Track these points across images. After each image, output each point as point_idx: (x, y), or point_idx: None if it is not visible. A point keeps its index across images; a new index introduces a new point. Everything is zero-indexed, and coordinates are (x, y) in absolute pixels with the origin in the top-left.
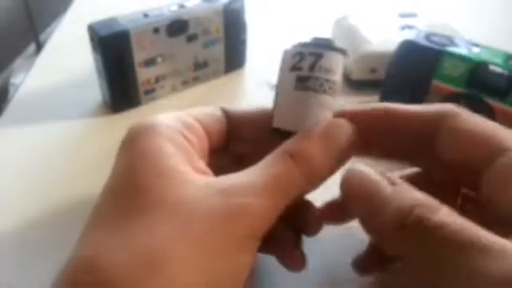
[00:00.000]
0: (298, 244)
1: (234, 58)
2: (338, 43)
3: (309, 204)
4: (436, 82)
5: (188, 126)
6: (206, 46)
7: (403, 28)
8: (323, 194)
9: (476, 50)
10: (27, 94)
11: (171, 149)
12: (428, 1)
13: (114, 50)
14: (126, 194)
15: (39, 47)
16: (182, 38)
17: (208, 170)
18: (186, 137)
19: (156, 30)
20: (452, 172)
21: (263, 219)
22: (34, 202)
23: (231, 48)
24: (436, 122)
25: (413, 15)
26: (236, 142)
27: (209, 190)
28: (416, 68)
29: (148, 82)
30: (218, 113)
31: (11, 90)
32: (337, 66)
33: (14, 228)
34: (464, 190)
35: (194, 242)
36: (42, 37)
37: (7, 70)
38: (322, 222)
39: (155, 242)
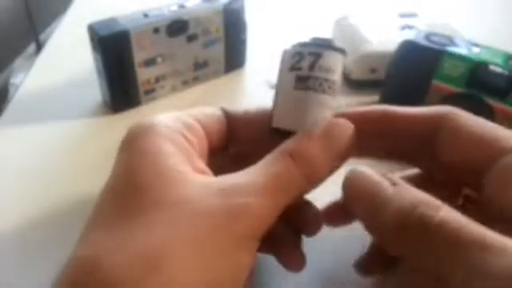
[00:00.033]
0: (297, 244)
1: (233, 58)
2: (338, 43)
3: (308, 204)
4: (436, 82)
5: (188, 126)
6: (206, 45)
7: (403, 28)
8: (323, 194)
9: (476, 49)
10: (27, 93)
11: (171, 149)
12: (428, 1)
13: (114, 50)
14: (126, 194)
15: (39, 47)
16: (182, 38)
17: (208, 170)
18: (185, 137)
19: (156, 30)
20: (452, 173)
21: (263, 219)
22: (34, 202)
23: (231, 48)
24: (435, 124)
25: (413, 15)
26: (236, 142)
27: (209, 190)
28: (416, 68)
29: (148, 82)
30: (218, 113)
31: (11, 90)
32: (336, 66)
33: (14, 228)
34: (465, 191)
35: (194, 242)
36: (42, 37)
37: (7, 70)
38: (322, 221)
39: (155, 242)
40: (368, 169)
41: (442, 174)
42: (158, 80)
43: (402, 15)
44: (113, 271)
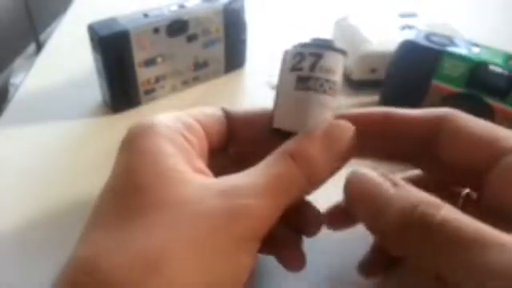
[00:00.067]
0: (297, 244)
1: (233, 58)
2: (339, 43)
3: (309, 204)
4: (436, 82)
5: (188, 127)
6: (206, 45)
7: (403, 28)
8: (323, 194)
9: (476, 49)
10: (27, 93)
11: (171, 149)
12: (428, 1)
13: (114, 50)
14: (126, 194)
15: (39, 47)
16: (181, 38)
17: (207, 170)
18: (185, 137)
19: (156, 30)
20: (453, 173)
21: (264, 220)
22: (34, 202)
23: (231, 48)
24: (436, 126)
25: (413, 15)
26: (236, 143)
27: (209, 191)
28: (416, 68)
29: (148, 82)
30: (219, 113)
31: (11, 90)
32: (337, 66)
33: (14, 228)
34: (465, 191)
35: (194, 243)
36: (42, 37)
37: (7, 69)
38: (322, 222)
39: (155, 243)
40: (369, 170)
41: (442, 175)
42: (157, 80)
43: (402, 15)
44: (112, 272)
